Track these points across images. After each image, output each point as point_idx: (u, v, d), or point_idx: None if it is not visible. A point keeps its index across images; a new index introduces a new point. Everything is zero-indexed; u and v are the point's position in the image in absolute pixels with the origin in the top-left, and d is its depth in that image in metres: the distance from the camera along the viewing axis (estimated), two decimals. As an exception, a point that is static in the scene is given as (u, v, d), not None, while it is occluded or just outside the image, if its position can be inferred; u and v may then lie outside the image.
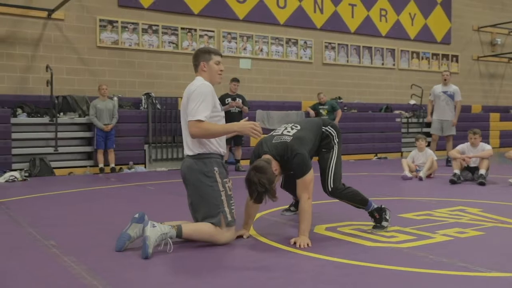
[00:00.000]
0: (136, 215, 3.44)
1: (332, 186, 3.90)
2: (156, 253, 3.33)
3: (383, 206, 4.05)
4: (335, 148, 3.99)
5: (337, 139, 4.02)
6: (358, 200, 4.01)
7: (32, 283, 2.78)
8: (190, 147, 3.57)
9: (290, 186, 4.21)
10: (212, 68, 3.71)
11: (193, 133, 3.43)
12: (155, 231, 3.26)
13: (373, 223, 4.04)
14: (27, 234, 3.97)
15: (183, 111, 3.61)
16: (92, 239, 3.77)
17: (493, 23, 15.72)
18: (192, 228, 3.47)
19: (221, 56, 3.81)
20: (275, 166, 3.63)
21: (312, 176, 3.70)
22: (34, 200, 5.91)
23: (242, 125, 3.51)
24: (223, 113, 3.75)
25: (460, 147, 7.43)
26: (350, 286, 2.72)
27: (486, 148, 7.20)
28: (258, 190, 3.46)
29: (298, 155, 3.64)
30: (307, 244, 3.49)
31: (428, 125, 10.72)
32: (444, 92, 9.49)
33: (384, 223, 3.99)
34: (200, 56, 3.71)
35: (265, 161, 3.58)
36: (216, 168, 3.53)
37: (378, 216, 4.01)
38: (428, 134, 10.59)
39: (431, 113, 9.75)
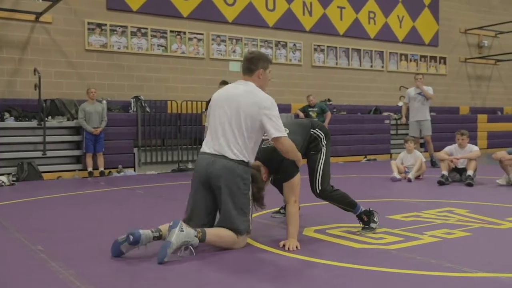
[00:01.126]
0: (131, 237, 3.21)
1: (320, 187, 3.93)
2: (144, 257, 3.31)
3: (371, 209, 4.07)
4: (323, 150, 4.01)
5: (325, 141, 4.04)
6: (346, 203, 4.03)
7: (19, 288, 2.76)
8: (234, 151, 3.44)
9: (279, 183, 4.21)
10: (266, 77, 3.71)
11: (281, 149, 3.51)
12: (180, 237, 3.16)
13: (361, 226, 4.06)
14: (15, 239, 3.93)
15: (235, 112, 3.48)
16: (81, 244, 3.75)
17: (480, 26, 15.89)
18: (215, 233, 3.39)
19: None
20: (264, 172, 3.66)
21: (299, 179, 3.72)
22: (21, 204, 5.86)
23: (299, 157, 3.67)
24: None
25: (448, 148, 7.50)
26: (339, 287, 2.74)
27: (473, 149, 7.27)
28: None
29: (285, 159, 3.66)
30: (296, 247, 3.50)
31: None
32: (419, 94, 9.73)
33: (373, 225, 4.01)
34: (260, 62, 3.65)
35: (256, 168, 3.61)
36: (250, 178, 3.52)
37: (367, 219, 4.03)
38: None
39: (406, 116, 10.06)
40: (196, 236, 3.27)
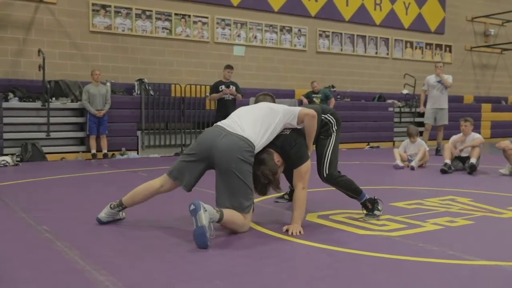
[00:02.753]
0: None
1: (327, 172, 3.95)
2: (148, 237, 3.34)
3: (376, 198, 4.09)
4: (333, 135, 4.04)
5: (335, 127, 4.06)
6: (352, 189, 4.04)
7: (25, 268, 2.79)
8: (247, 132, 3.49)
9: (288, 172, 4.20)
10: None
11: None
12: (207, 217, 3.12)
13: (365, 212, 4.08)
14: (20, 219, 3.97)
15: (275, 114, 3.69)
16: (85, 224, 3.78)
17: (486, 14, 15.75)
18: (230, 214, 3.36)
19: None
20: (277, 157, 3.66)
21: (308, 167, 3.72)
22: (26, 185, 5.90)
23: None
24: None
25: (452, 140, 7.48)
26: (341, 273, 2.76)
27: (476, 137, 7.27)
28: (262, 181, 3.52)
29: (296, 145, 3.68)
30: (299, 232, 3.52)
31: (421, 115, 10.78)
32: (439, 82, 9.56)
33: (376, 212, 4.03)
34: None
35: (266, 153, 3.62)
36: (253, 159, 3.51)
37: (371, 207, 4.04)
38: (421, 124, 10.65)
39: (424, 103, 9.84)
40: (217, 212, 3.26)
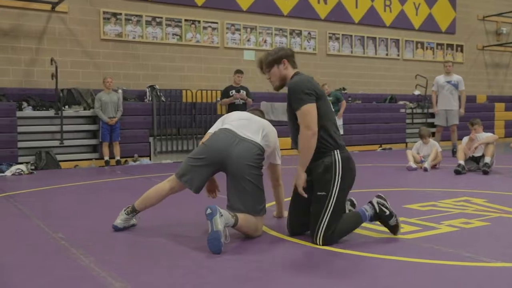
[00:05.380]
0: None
1: (321, 240, 3.31)
2: (163, 244, 3.36)
3: (377, 206, 3.54)
4: (335, 188, 3.36)
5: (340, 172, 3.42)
6: (353, 225, 3.51)
7: (41, 275, 2.81)
8: (256, 137, 3.57)
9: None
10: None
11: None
12: (222, 222, 3.14)
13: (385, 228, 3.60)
14: (36, 227, 4.01)
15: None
16: (100, 231, 3.81)
17: (498, 12, 15.61)
18: (244, 219, 3.38)
19: None
20: (289, 68, 3.70)
21: (311, 106, 3.33)
22: (41, 193, 5.96)
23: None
24: None
25: (464, 141, 7.42)
26: (357, 277, 2.74)
27: (489, 135, 7.21)
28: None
29: (292, 83, 3.48)
30: (302, 187, 3.34)
31: (433, 115, 10.70)
32: (448, 82, 9.48)
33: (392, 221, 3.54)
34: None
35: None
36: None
37: (388, 213, 3.52)
38: (433, 125, 10.57)
39: (436, 103, 9.75)
40: (232, 217, 3.27)
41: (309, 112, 3.32)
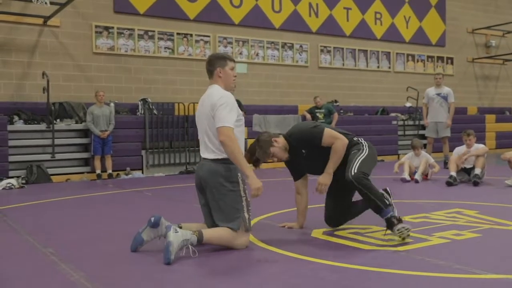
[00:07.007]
0: (152, 219, 3.49)
1: (355, 170, 3.77)
2: (153, 259, 3.34)
3: (400, 217, 3.76)
4: (365, 149, 4.06)
5: (367, 147, 4.13)
6: (379, 197, 3.74)
7: (31, 291, 2.78)
8: (214, 151, 3.57)
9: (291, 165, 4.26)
10: (227, 74, 3.72)
11: (221, 139, 3.44)
12: (177, 236, 3.27)
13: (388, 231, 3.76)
14: (25, 242, 3.97)
15: (204, 118, 3.63)
16: (91, 246, 3.78)
17: (487, 25, 15.82)
18: (211, 233, 3.49)
19: (235, 62, 3.83)
20: (280, 141, 3.96)
21: (325, 127, 3.98)
22: (31, 207, 5.91)
23: (253, 181, 3.42)
24: (243, 117, 3.77)
25: (456, 152, 7.45)
26: (348, 290, 2.74)
27: (480, 147, 7.25)
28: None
29: (294, 136, 4.04)
30: (323, 188, 3.92)
31: (425, 127, 10.76)
32: (438, 94, 9.56)
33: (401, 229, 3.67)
34: (216, 62, 3.70)
35: (269, 135, 4.02)
36: (239, 174, 3.57)
37: (397, 222, 3.67)
38: (425, 137, 10.62)
39: (427, 116, 9.81)
40: (193, 234, 3.36)
41: (330, 130, 3.92)
